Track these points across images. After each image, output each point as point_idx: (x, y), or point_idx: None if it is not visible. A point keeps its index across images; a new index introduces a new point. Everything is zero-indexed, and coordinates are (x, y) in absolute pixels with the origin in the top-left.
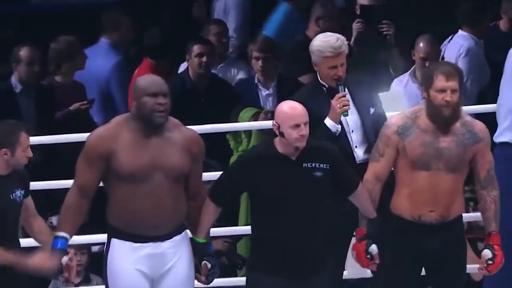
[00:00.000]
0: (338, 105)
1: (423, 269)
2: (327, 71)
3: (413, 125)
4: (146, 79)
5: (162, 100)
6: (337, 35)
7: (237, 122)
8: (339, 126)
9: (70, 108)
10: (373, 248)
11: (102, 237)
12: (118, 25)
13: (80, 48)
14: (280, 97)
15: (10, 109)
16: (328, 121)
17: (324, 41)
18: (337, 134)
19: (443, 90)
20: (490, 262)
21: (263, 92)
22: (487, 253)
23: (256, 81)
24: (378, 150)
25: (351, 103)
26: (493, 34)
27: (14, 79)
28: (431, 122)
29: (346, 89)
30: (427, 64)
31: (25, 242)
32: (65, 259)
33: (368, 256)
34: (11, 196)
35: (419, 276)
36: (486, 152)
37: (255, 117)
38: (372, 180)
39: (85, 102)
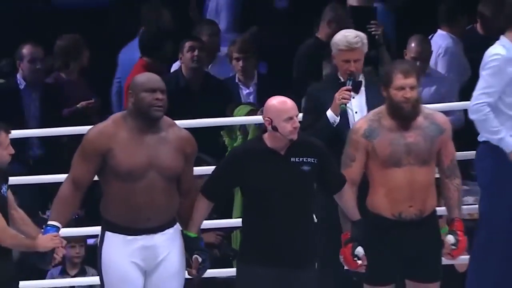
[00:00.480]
0: (339, 97)
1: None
2: (341, 64)
3: (378, 126)
4: (144, 76)
5: (160, 96)
6: (359, 32)
7: None
8: (338, 118)
9: (78, 106)
10: (359, 250)
11: (98, 229)
12: (159, 17)
13: (84, 45)
14: (260, 95)
15: (14, 106)
16: (328, 112)
17: (344, 35)
18: (334, 125)
19: (402, 88)
20: (453, 247)
21: (244, 91)
22: (450, 238)
23: (236, 81)
24: (349, 156)
25: (364, 102)
26: (471, 36)
27: (19, 76)
28: (393, 121)
29: (362, 87)
30: (418, 63)
31: None
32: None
33: (355, 258)
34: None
35: (399, 270)
36: (449, 142)
37: (250, 115)
38: (348, 184)
39: (92, 101)
